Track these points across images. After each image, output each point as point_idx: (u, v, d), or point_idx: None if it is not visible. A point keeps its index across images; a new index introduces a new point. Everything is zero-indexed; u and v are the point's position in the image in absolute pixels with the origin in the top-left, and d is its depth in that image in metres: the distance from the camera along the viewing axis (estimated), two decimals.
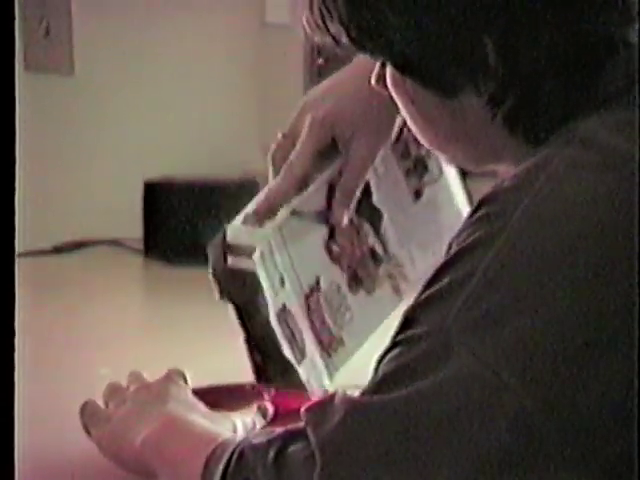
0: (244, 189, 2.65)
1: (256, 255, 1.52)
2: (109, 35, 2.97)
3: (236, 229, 1.57)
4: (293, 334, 1.60)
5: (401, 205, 1.68)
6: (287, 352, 1.57)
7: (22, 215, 2.46)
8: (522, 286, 1.22)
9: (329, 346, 1.66)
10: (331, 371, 1.64)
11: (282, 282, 1.58)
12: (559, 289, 1.20)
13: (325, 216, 1.63)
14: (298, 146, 1.65)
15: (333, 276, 1.65)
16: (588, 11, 1.31)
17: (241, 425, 1.59)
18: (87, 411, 1.60)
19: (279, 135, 1.67)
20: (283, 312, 1.59)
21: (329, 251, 1.65)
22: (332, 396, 1.28)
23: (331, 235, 1.64)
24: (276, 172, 1.66)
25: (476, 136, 1.41)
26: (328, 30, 1.34)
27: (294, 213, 1.59)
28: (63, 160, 2.95)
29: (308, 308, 1.62)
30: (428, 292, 1.26)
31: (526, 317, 1.20)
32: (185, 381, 1.65)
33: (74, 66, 2.93)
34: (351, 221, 1.66)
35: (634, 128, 1.27)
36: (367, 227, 1.69)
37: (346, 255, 1.67)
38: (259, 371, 1.61)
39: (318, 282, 1.63)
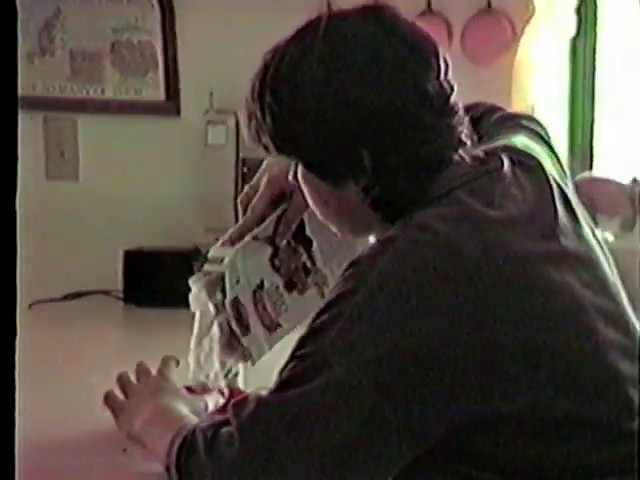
0: (193, 255, 2.70)
1: (224, 263, 1.75)
2: (104, 154, 3.19)
3: (216, 248, 1.78)
4: (242, 316, 1.77)
5: (326, 235, 1.75)
6: (234, 326, 1.77)
7: (38, 272, 2.74)
8: (375, 323, 1.37)
9: (270, 327, 1.80)
10: (270, 344, 1.81)
11: (237, 281, 1.75)
12: (399, 326, 1.37)
13: (273, 240, 1.78)
14: (258, 195, 1.80)
15: (274, 280, 1.80)
16: (428, 139, 1.50)
17: (211, 403, 1.77)
18: (109, 400, 1.76)
19: (246, 187, 1.82)
20: (235, 301, 1.76)
21: (272, 263, 1.80)
22: (248, 395, 1.47)
23: (275, 253, 1.79)
24: (244, 211, 1.81)
25: (354, 214, 1.57)
26: (261, 141, 1.55)
27: (254, 238, 1.77)
28: (69, 239, 3.15)
29: (255, 300, 1.78)
30: (314, 325, 1.43)
31: (379, 343, 1.36)
32: (177, 363, 1.82)
33: (79, 175, 3.20)
34: (289, 243, 1.80)
35: (452, 218, 1.45)
36: (301, 249, 1.82)
37: (284, 266, 1.81)
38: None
39: (262, 283, 1.79)
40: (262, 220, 1.80)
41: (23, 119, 3.07)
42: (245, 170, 2.94)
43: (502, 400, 1.40)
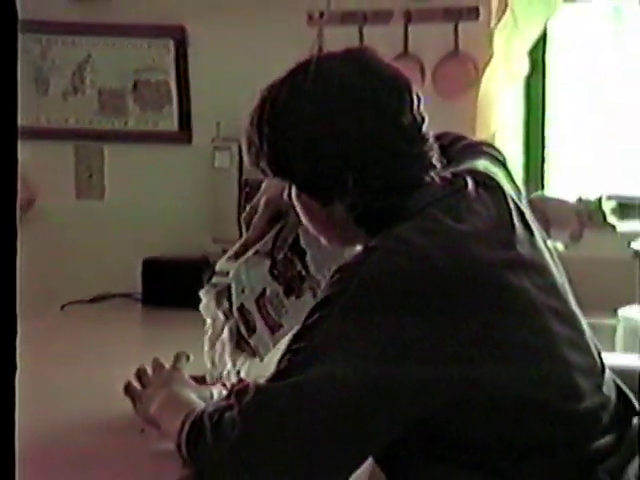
0: (202, 263, 2.81)
1: (230, 275, 1.75)
2: (127, 177, 3.19)
3: (222, 262, 1.78)
4: (248, 320, 1.78)
5: (318, 247, 1.76)
6: (242, 329, 1.77)
7: (70, 278, 2.72)
8: (358, 322, 1.40)
9: (273, 328, 1.81)
10: (274, 342, 1.81)
11: (243, 290, 1.76)
12: (379, 324, 1.39)
13: (271, 253, 1.80)
14: (258, 215, 1.81)
15: (274, 287, 1.81)
16: (403, 164, 1.53)
17: (215, 393, 1.74)
18: (129, 390, 1.75)
19: (248, 207, 1.82)
20: (241, 307, 1.77)
21: (272, 273, 1.81)
22: (249, 384, 1.48)
23: (274, 264, 1.80)
24: (247, 227, 1.81)
25: (341, 228, 1.60)
26: (259, 166, 1.58)
27: (255, 252, 1.78)
28: (96, 249, 3.15)
29: (258, 305, 1.79)
30: (306, 323, 1.45)
31: (362, 340, 1.39)
32: (188, 359, 1.79)
33: (105, 194, 3.20)
34: (286, 255, 1.81)
35: (426, 231, 1.48)
36: (296, 259, 1.83)
37: (282, 275, 1.82)
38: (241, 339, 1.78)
39: (264, 291, 1.80)
40: (262, 236, 1.80)
41: (57, 148, 3.04)
42: (247, 190, 2.92)
43: (470, 386, 1.41)
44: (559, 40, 3.08)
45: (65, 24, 3.01)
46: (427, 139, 1.56)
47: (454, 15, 2.83)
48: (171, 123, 3.12)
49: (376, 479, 1.71)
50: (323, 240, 1.65)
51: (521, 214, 1.63)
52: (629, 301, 2.55)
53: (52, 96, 3.08)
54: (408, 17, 2.87)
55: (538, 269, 1.57)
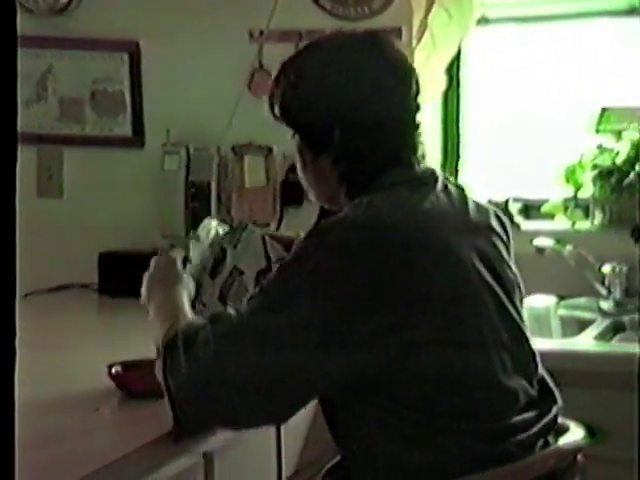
0: (151, 255, 2.58)
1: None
2: (84, 177, 3.16)
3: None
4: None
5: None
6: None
7: (32, 270, 2.71)
8: (327, 274, 1.43)
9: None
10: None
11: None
12: (343, 276, 1.43)
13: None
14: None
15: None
16: (390, 138, 1.58)
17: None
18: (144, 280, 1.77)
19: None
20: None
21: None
22: (225, 311, 1.51)
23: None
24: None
25: (327, 183, 1.63)
26: (273, 111, 1.64)
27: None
28: (56, 243, 3.09)
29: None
30: (280, 271, 1.49)
31: (326, 288, 1.42)
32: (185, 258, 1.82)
33: (63, 193, 3.18)
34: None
35: (394, 203, 1.51)
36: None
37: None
38: None
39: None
40: None
41: (20, 151, 2.98)
42: (193, 190, 2.92)
43: (411, 331, 1.43)
44: (472, 59, 3.11)
45: (30, 38, 2.99)
46: (417, 126, 1.60)
47: None
48: (125, 129, 3.10)
49: (316, 426, 1.80)
50: (312, 194, 1.68)
51: (486, 216, 1.66)
52: (533, 291, 2.56)
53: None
54: None
55: (485, 255, 1.58)
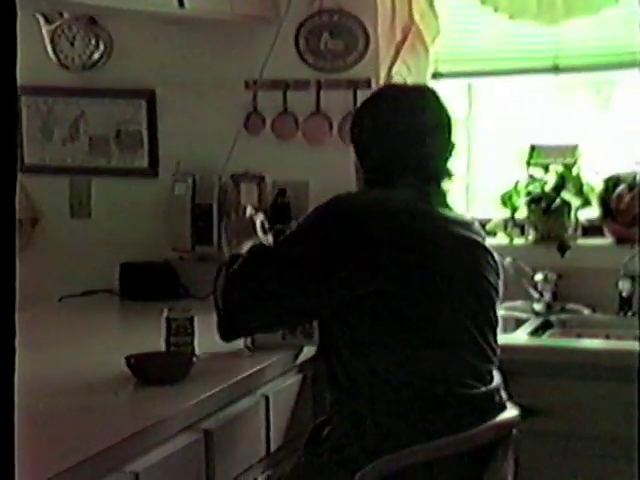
0: (165, 266, 2.87)
1: None
2: (109, 201, 3.10)
3: None
4: None
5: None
6: None
7: (66, 277, 2.70)
8: (319, 230, 1.66)
9: None
10: None
11: None
12: (330, 232, 1.64)
13: None
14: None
15: None
16: (397, 168, 1.74)
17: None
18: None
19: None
20: None
21: None
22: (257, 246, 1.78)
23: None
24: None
25: (361, 182, 1.83)
26: (350, 138, 1.85)
27: None
28: (86, 256, 3.05)
29: None
30: (297, 227, 1.75)
31: (317, 239, 1.65)
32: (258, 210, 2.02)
33: (92, 214, 3.13)
34: None
35: (389, 195, 1.68)
36: None
37: None
38: None
39: None
40: None
41: (56, 180, 2.91)
42: (198, 212, 2.88)
43: (381, 281, 1.56)
44: None
45: (66, 89, 3.04)
46: (425, 166, 1.73)
47: (353, 84, 2.86)
48: (143, 162, 3.09)
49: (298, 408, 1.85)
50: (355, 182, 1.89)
51: (476, 234, 1.75)
52: None
53: (54, 142, 3.10)
54: (319, 85, 2.90)
55: (467, 245, 1.67)
